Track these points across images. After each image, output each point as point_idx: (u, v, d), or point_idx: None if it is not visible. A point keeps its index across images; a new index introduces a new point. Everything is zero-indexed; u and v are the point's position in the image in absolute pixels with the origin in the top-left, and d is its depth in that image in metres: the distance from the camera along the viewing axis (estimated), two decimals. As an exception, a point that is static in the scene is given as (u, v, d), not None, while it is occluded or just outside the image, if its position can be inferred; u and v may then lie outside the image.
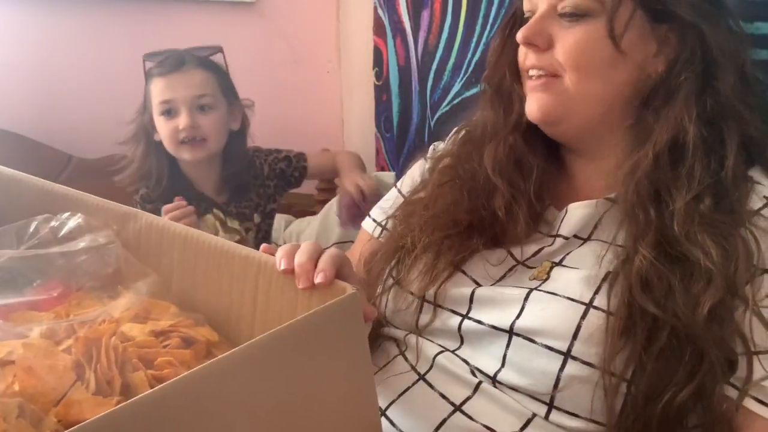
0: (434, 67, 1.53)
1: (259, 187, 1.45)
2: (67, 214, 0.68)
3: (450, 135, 0.89)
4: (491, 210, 0.75)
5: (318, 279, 0.55)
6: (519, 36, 0.72)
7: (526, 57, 0.74)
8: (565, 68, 0.70)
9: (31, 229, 0.68)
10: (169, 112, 1.32)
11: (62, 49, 1.70)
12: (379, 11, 1.80)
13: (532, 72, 0.73)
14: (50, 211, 0.70)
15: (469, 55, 1.41)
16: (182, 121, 1.30)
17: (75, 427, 0.39)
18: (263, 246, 0.62)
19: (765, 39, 0.76)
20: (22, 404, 0.48)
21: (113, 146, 1.77)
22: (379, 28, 1.82)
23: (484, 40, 1.36)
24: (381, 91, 1.86)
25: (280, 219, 1.59)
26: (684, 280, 0.61)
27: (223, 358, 0.45)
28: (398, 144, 1.78)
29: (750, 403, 0.59)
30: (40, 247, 0.66)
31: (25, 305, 0.60)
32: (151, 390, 0.43)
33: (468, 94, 1.43)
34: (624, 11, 0.67)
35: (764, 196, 0.65)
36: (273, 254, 0.59)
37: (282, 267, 0.57)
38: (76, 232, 0.67)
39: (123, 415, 0.40)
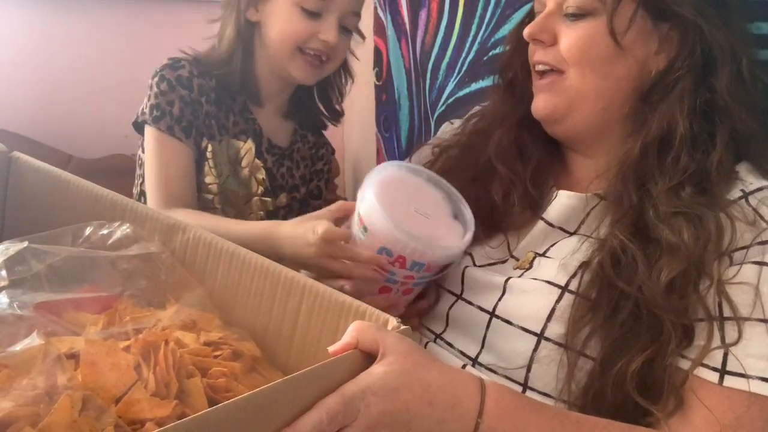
0: (430, 66, 1.53)
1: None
2: (117, 223, 0.70)
3: (462, 120, 0.91)
4: (490, 197, 0.78)
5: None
6: (525, 32, 0.76)
7: (534, 53, 0.77)
8: (569, 63, 0.73)
9: (86, 233, 0.69)
10: (312, 12, 1.04)
11: (62, 49, 1.70)
12: (380, 12, 1.80)
13: (539, 67, 0.76)
14: (98, 215, 0.72)
15: (464, 55, 1.40)
16: (329, 32, 1.04)
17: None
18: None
19: (765, 39, 0.76)
20: (87, 397, 0.49)
21: (113, 146, 1.78)
22: (379, 29, 1.82)
23: (479, 39, 1.35)
24: (381, 91, 1.86)
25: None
26: (651, 256, 0.63)
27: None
28: (399, 144, 1.78)
29: (703, 372, 0.59)
30: (93, 251, 0.67)
31: (73, 304, 0.62)
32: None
33: (461, 93, 1.42)
34: (625, 10, 0.70)
35: (741, 189, 0.66)
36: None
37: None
38: (125, 240, 0.69)
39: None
